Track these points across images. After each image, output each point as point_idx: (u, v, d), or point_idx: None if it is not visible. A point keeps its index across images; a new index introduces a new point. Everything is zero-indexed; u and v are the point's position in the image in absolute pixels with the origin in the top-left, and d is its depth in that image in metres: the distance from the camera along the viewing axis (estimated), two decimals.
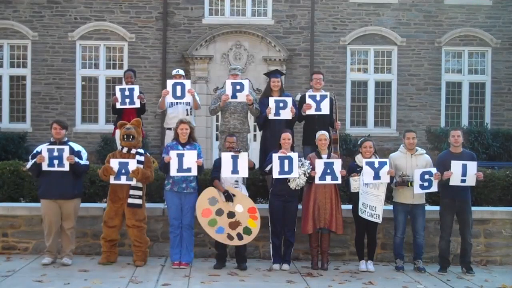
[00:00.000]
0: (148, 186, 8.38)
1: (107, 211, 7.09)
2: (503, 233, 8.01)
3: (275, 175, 6.97)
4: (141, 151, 7.14)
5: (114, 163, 6.92)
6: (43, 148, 6.92)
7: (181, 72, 8.27)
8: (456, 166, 7.06)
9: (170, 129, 7.84)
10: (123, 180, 6.92)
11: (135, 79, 8.39)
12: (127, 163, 6.94)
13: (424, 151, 7.52)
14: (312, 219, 7.07)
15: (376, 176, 6.97)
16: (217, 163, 7.17)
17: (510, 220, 8.05)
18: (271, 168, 7.00)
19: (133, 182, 6.95)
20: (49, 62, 16.48)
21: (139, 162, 6.99)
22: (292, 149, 7.31)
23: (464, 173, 7.05)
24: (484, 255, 7.96)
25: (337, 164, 7.06)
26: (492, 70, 17.11)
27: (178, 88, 7.74)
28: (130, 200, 6.99)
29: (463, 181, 7.07)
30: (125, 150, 7.09)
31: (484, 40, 17.05)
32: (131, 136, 7.06)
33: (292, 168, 6.94)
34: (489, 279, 6.97)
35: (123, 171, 6.91)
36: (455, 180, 7.07)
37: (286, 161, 6.95)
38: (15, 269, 6.72)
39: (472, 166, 7.09)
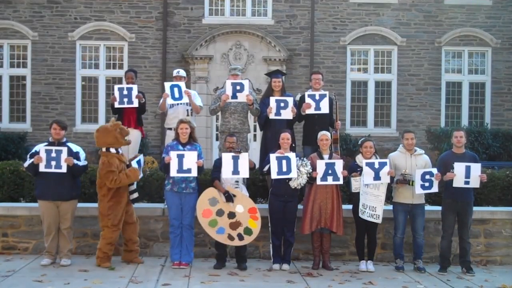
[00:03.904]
0: (148, 186, 8.42)
1: (117, 212, 6.91)
2: (503, 233, 8.01)
3: (273, 175, 6.97)
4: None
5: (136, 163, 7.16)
6: (41, 148, 6.87)
7: (182, 73, 8.22)
8: (459, 167, 7.06)
9: (170, 129, 7.85)
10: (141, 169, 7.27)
11: (136, 80, 8.39)
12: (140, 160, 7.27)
13: (423, 152, 7.53)
14: (310, 220, 7.07)
15: (377, 177, 6.97)
16: (218, 163, 7.17)
17: (510, 220, 8.06)
18: (269, 168, 7.00)
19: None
20: (49, 62, 16.48)
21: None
22: (293, 149, 7.30)
23: (468, 174, 7.04)
24: (484, 255, 7.96)
25: (339, 164, 7.05)
26: (492, 70, 17.11)
27: (176, 90, 7.79)
28: (131, 196, 7.01)
29: (466, 182, 7.06)
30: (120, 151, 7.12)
31: (484, 40, 17.05)
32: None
33: (290, 168, 6.93)
34: (489, 279, 6.98)
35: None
36: (458, 181, 7.06)
37: (284, 161, 6.93)
38: (15, 269, 6.72)
39: (476, 167, 7.08)
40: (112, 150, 6.93)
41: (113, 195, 6.88)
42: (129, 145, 7.98)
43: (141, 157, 7.34)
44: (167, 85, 7.88)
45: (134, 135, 8.12)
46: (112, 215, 6.89)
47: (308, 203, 7.13)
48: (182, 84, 7.90)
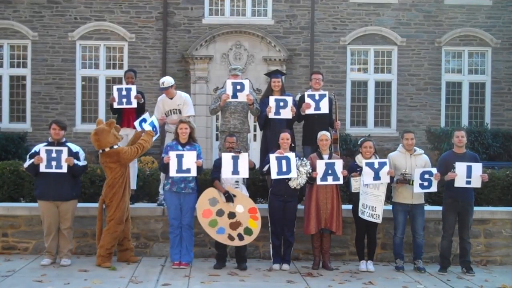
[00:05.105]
0: (148, 186, 8.42)
1: (125, 204, 6.96)
2: (503, 233, 8.01)
3: (274, 175, 6.96)
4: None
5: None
6: (41, 148, 6.86)
7: (167, 83, 7.85)
8: (460, 167, 7.05)
9: (171, 132, 7.83)
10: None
11: (135, 80, 8.39)
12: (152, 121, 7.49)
13: (423, 151, 7.53)
14: (314, 220, 7.07)
15: (376, 177, 6.97)
16: (217, 163, 7.17)
17: (510, 220, 8.06)
18: (269, 168, 7.00)
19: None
20: (49, 62, 16.48)
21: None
22: (293, 149, 7.30)
23: (469, 174, 7.04)
24: (484, 255, 7.96)
25: (339, 164, 7.05)
26: (492, 70, 17.11)
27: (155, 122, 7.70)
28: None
29: (468, 182, 7.06)
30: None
31: (484, 40, 17.05)
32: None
33: (290, 168, 6.93)
34: (489, 279, 6.97)
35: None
36: (460, 181, 7.06)
37: (283, 161, 6.93)
38: (15, 269, 6.72)
39: (477, 167, 7.08)
40: (115, 146, 6.96)
41: (125, 187, 6.94)
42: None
43: (146, 116, 7.54)
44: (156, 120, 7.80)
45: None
46: (122, 207, 6.92)
47: (311, 203, 7.12)
48: (152, 118, 7.68)
